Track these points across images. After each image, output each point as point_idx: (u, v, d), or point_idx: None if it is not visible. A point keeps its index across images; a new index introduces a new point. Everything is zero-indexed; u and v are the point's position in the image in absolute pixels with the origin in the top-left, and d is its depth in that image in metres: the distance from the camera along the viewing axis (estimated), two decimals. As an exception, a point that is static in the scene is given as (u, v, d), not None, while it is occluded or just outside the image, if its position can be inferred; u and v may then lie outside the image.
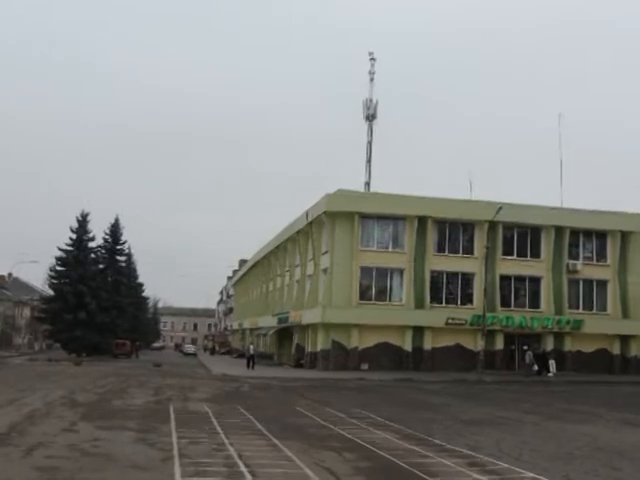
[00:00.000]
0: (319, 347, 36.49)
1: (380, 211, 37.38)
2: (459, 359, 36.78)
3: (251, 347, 41.01)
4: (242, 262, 76.02)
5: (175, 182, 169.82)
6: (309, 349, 38.75)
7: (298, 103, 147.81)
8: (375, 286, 37.54)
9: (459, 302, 38.20)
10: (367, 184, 53.18)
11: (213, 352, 77.50)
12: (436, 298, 37.79)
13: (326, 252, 37.81)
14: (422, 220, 37.48)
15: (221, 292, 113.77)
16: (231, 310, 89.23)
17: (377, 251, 37.50)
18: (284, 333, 45.54)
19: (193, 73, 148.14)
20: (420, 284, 37.32)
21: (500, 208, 34.75)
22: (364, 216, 37.21)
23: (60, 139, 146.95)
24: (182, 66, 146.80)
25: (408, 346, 36.65)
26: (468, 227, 38.67)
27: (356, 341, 36.16)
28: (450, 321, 36.82)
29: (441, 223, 38.34)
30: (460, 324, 36.86)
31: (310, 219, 39.31)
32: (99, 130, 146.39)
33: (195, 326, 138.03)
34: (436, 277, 38.10)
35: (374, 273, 37.34)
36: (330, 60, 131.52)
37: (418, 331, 36.91)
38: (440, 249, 38.30)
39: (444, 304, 37.95)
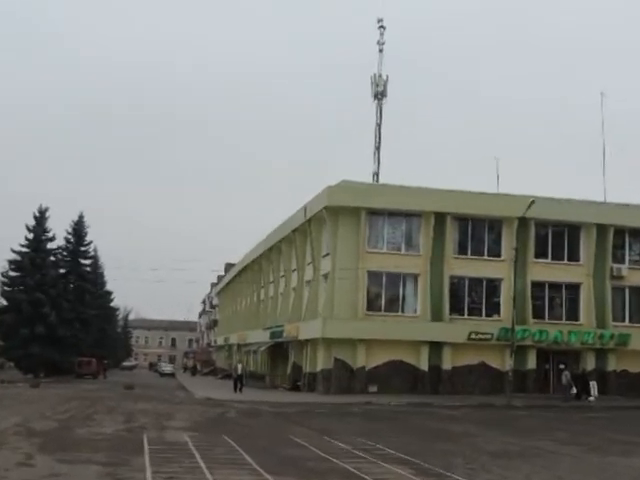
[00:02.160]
0: (319, 366, 36.50)
1: (391, 206, 37.36)
2: (484, 380, 36.81)
3: (239, 366, 40.99)
4: (229, 266, 76.05)
5: (150, 173, 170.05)
6: (307, 369, 38.76)
7: (296, 77, 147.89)
8: (385, 295, 37.55)
9: (484, 313, 38.19)
10: (376, 174, 53.21)
11: (194, 372, 77.57)
12: (457, 309, 37.80)
13: (327, 254, 37.79)
14: (440, 217, 37.44)
15: (203, 302, 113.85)
16: (215, 323, 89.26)
17: (387, 253, 37.49)
18: (278, 350, 45.56)
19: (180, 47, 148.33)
20: (438, 292, 37.30)
21: (532, 202, 34.68)
22: (372, 212, 37.19)
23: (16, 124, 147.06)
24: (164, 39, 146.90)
25: (424, 365, 36.63)
26: (494, 225, 38.67)
27: (363, 359, 36.14)
28: (473, 336, 36.81)
29: (462, 220, 38.32)
30: (485, 339, 36.87)
31: (308, 215, 39.30)
32: (65, 109, 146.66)
33: (173, 341, 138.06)
34: (456, 284, 38.11)
35: (384, 279, 37.33)
36: (333, 27, 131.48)
37: (436, 347, 36.89)
38: (461, 251, 38.29)
39: (466, 316, 37.95)
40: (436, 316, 37.08)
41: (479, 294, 38.51)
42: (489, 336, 36.82)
